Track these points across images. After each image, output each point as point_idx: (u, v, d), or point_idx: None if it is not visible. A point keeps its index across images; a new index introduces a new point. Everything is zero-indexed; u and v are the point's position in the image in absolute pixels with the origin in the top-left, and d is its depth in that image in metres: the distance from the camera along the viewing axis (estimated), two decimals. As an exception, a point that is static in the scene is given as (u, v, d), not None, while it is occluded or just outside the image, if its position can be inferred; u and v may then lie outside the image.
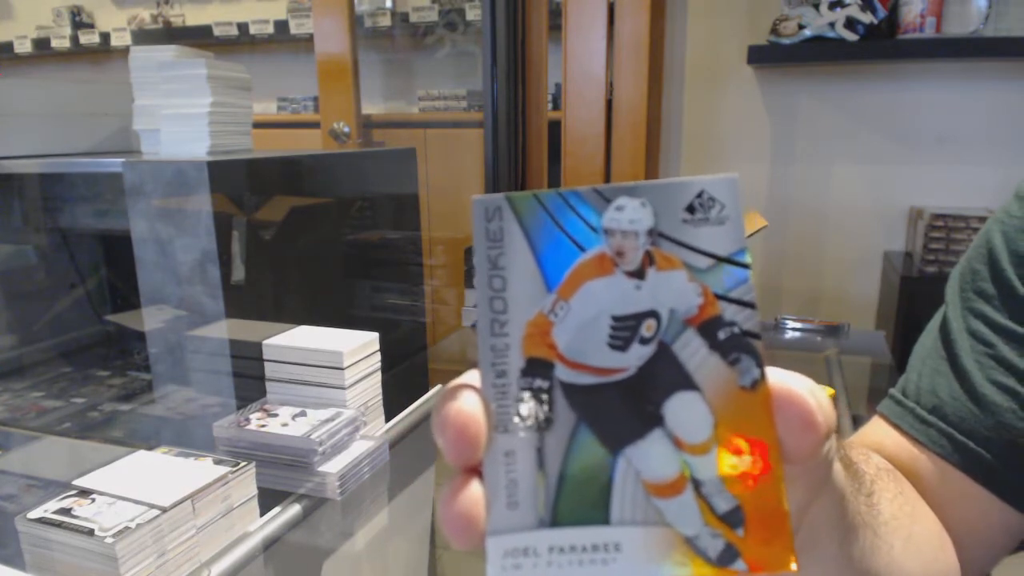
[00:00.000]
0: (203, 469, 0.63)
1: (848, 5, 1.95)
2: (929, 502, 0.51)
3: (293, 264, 1.10)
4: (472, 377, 0.25)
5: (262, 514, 0.68)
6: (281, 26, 3.18)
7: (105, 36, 3.50)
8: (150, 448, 0.68)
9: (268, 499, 0.69)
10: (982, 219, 1.93)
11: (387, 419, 0.85)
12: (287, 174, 1.14)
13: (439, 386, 1.01)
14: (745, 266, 0.25)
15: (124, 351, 1.34)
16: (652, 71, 2.24)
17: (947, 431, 0.51)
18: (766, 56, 2.09)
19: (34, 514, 0.57)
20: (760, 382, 0.24)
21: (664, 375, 0.25)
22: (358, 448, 0.76)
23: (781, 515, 0.24)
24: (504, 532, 0.24)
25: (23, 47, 3.62)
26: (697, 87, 2.38)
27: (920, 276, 1.94)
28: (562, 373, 0.25)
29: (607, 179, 2.28)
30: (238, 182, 0.99)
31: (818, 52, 2.05)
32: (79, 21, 3.59)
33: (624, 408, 0.25)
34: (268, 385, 0.81)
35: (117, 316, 1.38)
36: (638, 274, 0.25)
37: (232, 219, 0.95)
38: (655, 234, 0.25)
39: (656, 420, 0.25)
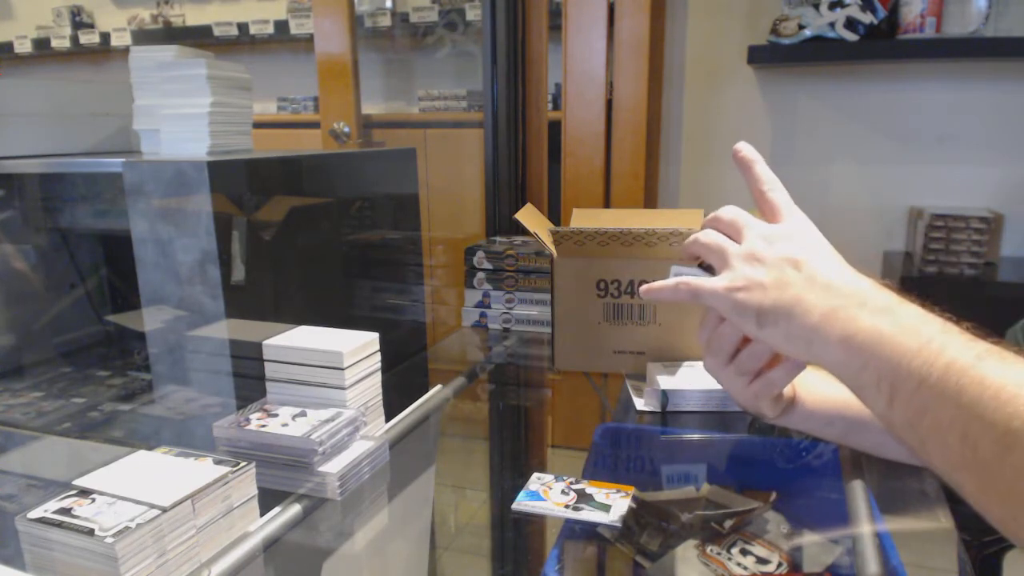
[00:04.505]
0: (203, 469, 0.63)
1: (848, 5, 1.95)
2: None
3: (293, 264, 1.10)
4: None
5: (262, 514, 0.68)
6: (281, 26, 3.18)
7: (105, 36, 3.50)
8: (150, 448, 0.68)
9: (268, 499, 0.69)
10: (982, 219, 1.93)
11: (387, 419, 0.85)
12: (287, 174, 1.13)
13: (439, 386, 1.01)
14: None
15: (124, 351, 1.34)
16: (652, 71, 2.24)
17: None
18: (766, 56, 2.09)
19: (34, 514, 0.57)
20: None
21: None
22: (358, 448, 0.76)
23: None
24: None
25: (23, 47, 3.62)
26: (697, 87, 2.38)
27: (920, 276, 1.94)
28: None
29: (607, 179, 2.28)
30: (238, 182, 0.99)
31: (818, 52, 2.04)
32: (79, 21, 3.59)
33: None
34: (268, 385, 0.81)
35: (117, 316, 1.38)
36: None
37: (232, 219, 0.95)
38: None
39: None
